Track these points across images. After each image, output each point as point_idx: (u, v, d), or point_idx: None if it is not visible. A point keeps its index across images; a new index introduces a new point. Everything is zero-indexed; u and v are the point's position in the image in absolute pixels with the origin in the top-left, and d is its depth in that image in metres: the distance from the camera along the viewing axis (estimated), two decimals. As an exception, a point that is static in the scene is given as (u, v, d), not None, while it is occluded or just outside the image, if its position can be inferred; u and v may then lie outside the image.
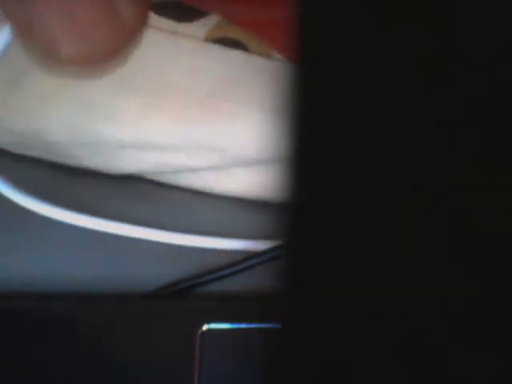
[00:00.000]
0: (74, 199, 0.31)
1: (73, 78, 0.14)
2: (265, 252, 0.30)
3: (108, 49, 0.13)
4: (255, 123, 0.30)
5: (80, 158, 0.32)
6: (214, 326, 0.27)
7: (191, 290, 0.30)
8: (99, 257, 0.30)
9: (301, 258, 0.11)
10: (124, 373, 0.27)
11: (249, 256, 0.30)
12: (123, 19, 0.13)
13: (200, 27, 0.31)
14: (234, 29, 0.31)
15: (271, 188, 0.33)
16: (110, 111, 0.30)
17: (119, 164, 0.32)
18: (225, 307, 0.29)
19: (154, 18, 0.31)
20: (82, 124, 0.31)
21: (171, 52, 0.31)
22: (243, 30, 0.31)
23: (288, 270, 0.11)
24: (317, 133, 0.11)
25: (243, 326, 0.27)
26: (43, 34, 0.13)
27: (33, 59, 0.13)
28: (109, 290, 0.30)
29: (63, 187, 0.30)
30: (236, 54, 0.31)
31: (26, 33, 0.13)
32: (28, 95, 0.31)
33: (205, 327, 0.27)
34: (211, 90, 0.30)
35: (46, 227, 0.31)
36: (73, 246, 0.31)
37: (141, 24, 0.13)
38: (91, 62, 0.13)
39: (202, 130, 0.30)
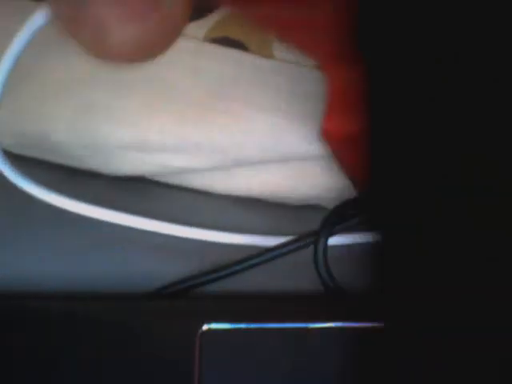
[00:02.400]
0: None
1: (123, 64, 0.14)
2: (264, 252, 0.30)
3: (157, 34, 0.13)
4: (254, 123, 0.30)
5: (81, 158, 0.32)
6: (214, 325, 0.27)
7: (191, 290, 0.30)
8: (99, 257, 0.30)
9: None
10: (124, 372, 0.27)
11: (248, 256, 0.30)
12: (169, 6, 0.13)
13: (199, 27, 0.31)
14: (234, 28, 0.31)
15: (271, 188, 0.33)
16: (109, 111, 0.30)
17: (120, 165, 0.32)
18: (225, 307, 0.29)
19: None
20: (81, 124, 0.31)
21: (171, 52, 0.31)
22: (244, 29, 0.31)
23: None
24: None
25: (243, 325, 0.27)
26: (93, 22, 0.13)
27: (82, 48, 0.13)
28: (109, 289, 0.30)
29: (64, 188, 0.30)
30: (236, 54, 0.31)
31: (74, 22, 0.13)
32: (28, 96, 0.31)
33: (205, 327, 0.27)
34: (211, 90, 0.30)
35: (45, 228, 0.31)
36: (72, 247, 0.31)
37: (187, 11, 0.13)
38: (141, 47, 0.13)
39: (202, 131, 0.30)
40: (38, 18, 0.22)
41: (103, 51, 0.13)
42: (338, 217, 0.29)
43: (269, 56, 0.31)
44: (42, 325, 0.28)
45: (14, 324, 0.28)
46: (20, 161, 0.31)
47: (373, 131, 0.11)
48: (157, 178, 0.33)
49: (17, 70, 0.30)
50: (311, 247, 0.29)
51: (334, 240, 0.30)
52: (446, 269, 0.10)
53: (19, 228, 0.31)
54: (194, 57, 0.31)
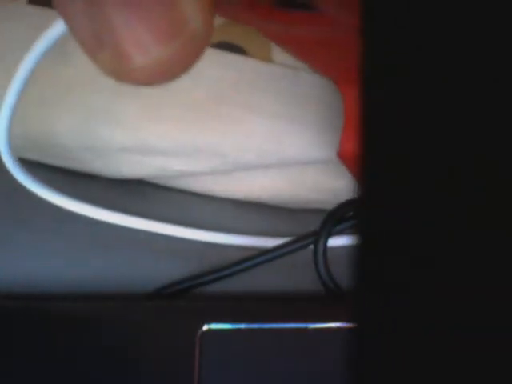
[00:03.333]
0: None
1: (144, 86, 0.14)
2: (264, 252, 0.30)
3: (182, 56, 0.13)
4: (255, 127, 0.30)
5: (81, 161, 0.32)
6: (213, 326, 0.27)
7: (191, 290, 0.30)
8: (100, 257, 0.30)
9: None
10: (124, 372, 0.27)
11: (249, 256, 0.30)
12: (193, 28, 0.13)
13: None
14: (234, 33, 0.31)
15: (271, 192, 0.33)
16: (110, 115, 0.30)
17: (120, 168, 0.32)
18: (225, 307, 0.29)
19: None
20: (82, 127, 0.31)
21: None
22: (243, 33, 0.31)
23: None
24: None
25: (243, 326, 0.27)
26: (113, 45, 0.12)
27: (102, 70, 0.13)
28: (109, 289, 0.30)
29: (65, 190, 0.30)
30: (235, 59, 0.31)
31: (94, 46, 0.13)
32: (30, 98, 0.31)
33: (205, 327, 0.27)
34: (211, 94, 0.30)
35: (45, 227, 0.31)
36: (73, 247, 0.31)
37: (209, 33, 0.13)
38: (164, 70, 0.13)
39: (202, 135, 0.30)
40: (56, 30, 0.22)
41: (123, 75, 0.13)
42: (337, 217, 0.29)
43: (268, 60, 0.31)
44: (42, 325, 0.28)
45: (14, 324, 0.28)
46: (22, 163, 0.31)
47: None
48: (156, 181, 0.33)
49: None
50: (311, 248, 0.29)
51: (334, 241, 0.30)
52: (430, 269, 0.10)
53: (19, 228, 0.31)
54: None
